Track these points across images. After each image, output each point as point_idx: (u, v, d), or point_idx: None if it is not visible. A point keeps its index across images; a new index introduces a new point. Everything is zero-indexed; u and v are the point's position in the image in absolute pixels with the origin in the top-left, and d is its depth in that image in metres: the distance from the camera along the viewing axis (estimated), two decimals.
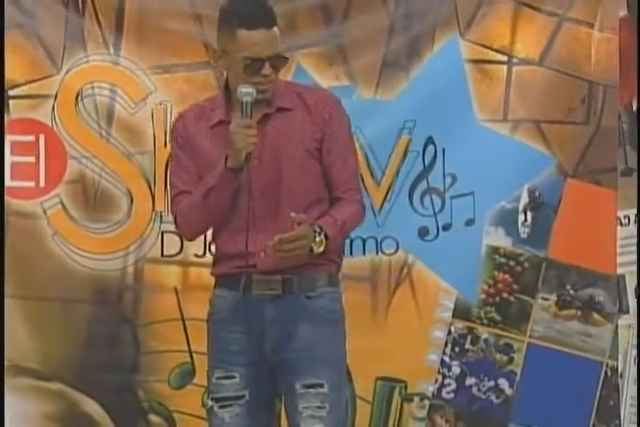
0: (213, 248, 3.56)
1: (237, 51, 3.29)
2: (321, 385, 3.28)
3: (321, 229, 3.23)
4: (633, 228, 4.77)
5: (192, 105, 3.54)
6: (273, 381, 3.35)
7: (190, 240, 3.70)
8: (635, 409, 4.73)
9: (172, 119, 4.61)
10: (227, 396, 3.29)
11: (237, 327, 3.32)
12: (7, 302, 4.63)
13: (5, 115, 4.70)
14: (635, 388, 4.73)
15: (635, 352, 4.77)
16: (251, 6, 3.34)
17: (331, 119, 3.41)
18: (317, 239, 3.23)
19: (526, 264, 4.75)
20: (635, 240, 4.73)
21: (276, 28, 3.33)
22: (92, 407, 4.68)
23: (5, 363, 4.61)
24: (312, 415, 3.26)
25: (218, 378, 3.32)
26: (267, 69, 3.30)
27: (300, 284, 3.34)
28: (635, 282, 4.75)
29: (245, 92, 3.25)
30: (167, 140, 4.69)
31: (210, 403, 3.32)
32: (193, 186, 3.35)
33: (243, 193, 3.32)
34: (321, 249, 3.24)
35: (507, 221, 4.75)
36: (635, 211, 4.74)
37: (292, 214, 3.20)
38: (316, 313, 3.34)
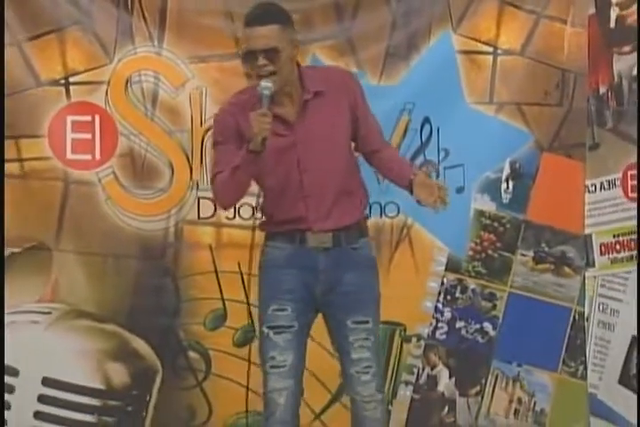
0: (260, 214, 3.66)
1: (243, 47, 3.45)
2: (367, 322, 3.53)
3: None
4: (598, 194, 4.73)
5: (234, 99, 3.61)
6: (314, 315, 3.57)
7: (225, 209, 3.85)
8: (598, 347, 4.75)
9: (208, 103, 4.70)
10: (281, 324, 3.50)
11: (291, 271, 3.51)
12: (68, 257, 4.68)
13: (66, 98, 4.68)
14: (597, 329, 4.74)
15: (599, 300, 4.75)
16: (252, 8, 3.48)
17: (355, 92, 3.56)
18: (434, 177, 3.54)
19: (508, 225, 4.81)
20: (600, 205, 4.75)
21: (273, 26, 3.39)
22: (140, 345, 4.73)
23: (66, 307, 4.70)
24: (361, 346, 3.52)
25: (273, 310, 3.51)
26: (260, 61, 3.38)
27: (347, 237, 3.53)
28: (600, 240, 4.74)
29: (264, 86, 3.38)
30: (203, 119, 4.72)
31: (266, 331, 3.52)
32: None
33: (293, 171, 3.46)
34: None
35: (491, 188, 4.80)
36: (600, 180, 4.73)
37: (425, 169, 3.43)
38: (360, 262, 3.57)
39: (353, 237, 3.57)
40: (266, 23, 3.41)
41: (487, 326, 4.83)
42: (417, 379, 4.83)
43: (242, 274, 4.73)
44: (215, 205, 4.73)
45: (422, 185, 3.45)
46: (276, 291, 3.53)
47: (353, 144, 3.72)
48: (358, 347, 3.53)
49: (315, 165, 3.50)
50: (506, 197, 4.83)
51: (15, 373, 4.62)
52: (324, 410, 4.70)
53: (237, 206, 4.72)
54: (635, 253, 4.63)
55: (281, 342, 3.50)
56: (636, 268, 4.60)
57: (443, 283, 4.83)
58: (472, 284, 4.84)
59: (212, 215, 4.78)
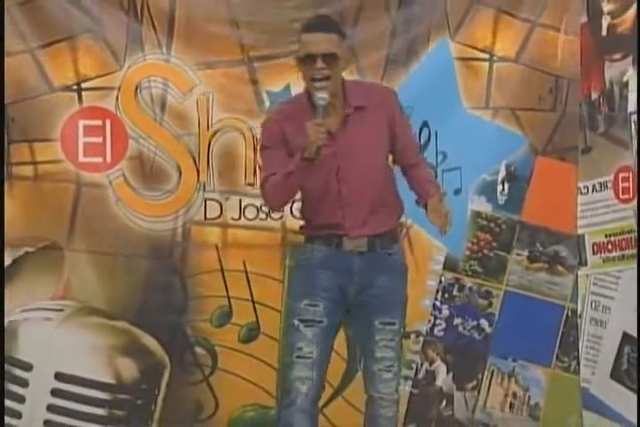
0: (303, 221, 3.73)
1: (301, 51, 3.54)
2: (393, 324, 3.64)
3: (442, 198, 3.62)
4: (591, 196, 4.79)
5: (279, 108, 3.76)
6: (344, 315, 3.66)
7: (275, 210, 4.01)
8: (590, 343, 4.79)
9: (215, 107, 4.78)
10: (311, 319, 3.60)
11: (327, 272, 3.62)
12: (80, 256, 4.74)
13: (78, 103, 4.75)
14: (589, 326, 4.79)
15: (592, 297, 4.79)
16: (313, 17, 3.66)
17: (395, 110, 3.67)
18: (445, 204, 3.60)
19: (503, 226, 4.89)
20: (593, 206, 4.80)
21: (333, 35, 3.52)
22: (149, 341, 4.79)
23: (78, 305, 4.74)
24: (386, 345, 3.63)
25: (305, 305, 3.61)
26: (319, 64, 3.49)
27: (381, 242, 3.63)
28: (593, 240, 4.78)
29: (319, 97, 3.48)
30: (209, 123, 4.80)
31: (296, 323, 3.61)
32: (280, 170, 3.58)
33: (332, 180, 3.57)
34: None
35: (488, 190, 4.88)
36: (592, 182, 4.78)
37: (441, 192, 3.56)
38: (393, 266, 3.69)
39: (387, 243, 3.67)
40: (328, 31, 3.53)
41: (483, 322, 4.89)
42: (416, 374, 4.88)
43: (247, 273, 4.81)
44: (221, 207, 4.83)
45: (433, 209, 3.58)
46: (311, 288, 3.63)
47: (390, 157, 3.81)
48: (383, 346, 3.63)
49: (353, 175, 3.60)
50: (501, 199, 4.90)
51: (29, 367, 4.70)
52: (326, 404, 4.75)
53: (242, 207, 4.83)
54: (626, 252, 4.70)
55: (309, 334, 3.59)
56: (627, 267, 4.68)
57: (441, 281, 4.89)
58: (469, 282, 4.91)
59: (219, 216, 4.85)
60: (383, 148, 3.67)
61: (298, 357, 3.60)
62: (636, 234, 4.61)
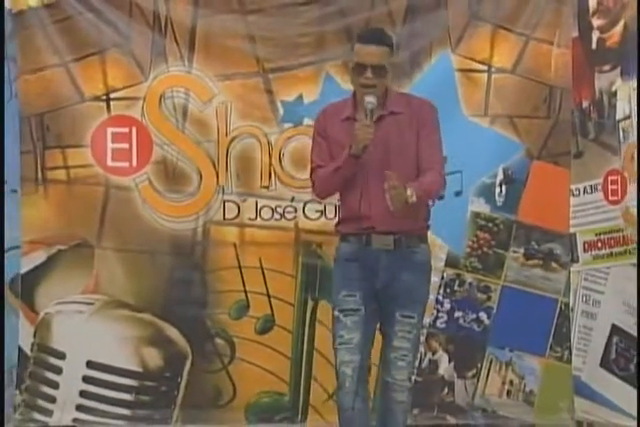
0: (339, 210, 3.85)
1: (354, 59, 3.71)
2: (413, 317, 3.77)
3: (410, 187, 3.59)
4: (582, 197, 4.91)
5: (329, 104, 3.90)
6: (377, 305, 3.79)
7: (322, 199, 4.03)
8: (581, 335, 4.95)
9: (233, 115, 4.95)
10: (350, 308, 3.73)
11: (357, 264, 3.75)
12: (109, 253, 4.91)
13: (107, 112, 4.95)
14: (581, 319, 4.94)
15: (583, 292, 4.94)
16: (370, 29, 3.82)
17: (425, 119, 3.78)
18: (408, 192, 3.57)
19: (501, 226, 5.02)
20: (584, 207, 4.94)
21: (385, 48, 3.68)
22: (173, 332, 4.94)
23: (107, 299, 4.93)
24: (403, 336, 3.76)
25: (344, 296, 3.75)
26: (369, 73, 3.66)
27: (407, 241, 3.75)
28: (584, 239, 4.93)
29: (369, 101, 3.66)
30: (228, 130, 4.97)
31: (337, 313, 3.74)
32: (326, 161, 3.79)
33: (362, 172, 3.71)
34: (414, 199, 3.57)
35: (486, 192, 5.01)
36: (583, 184, 4.93)
37: (386, 172, 3.57)
38: (417, 264, 3.79)
39: (413, 242, 3.78)
40: (381, 44, 3.70)
41: (482, 315, 5.04)
42: (419, 363, 4.98)
43: (262, 269, 4.98)
44: (239, 208, 5.01)
45: (392, 186, 3.68)
46: (347, 279, 3.79)
47: None
48: (401, 337, 3.76)
49: (381, 171, 3.67)
50: (499, 201, 5.03)
51: (62, 356, 4.91)
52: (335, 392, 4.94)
53: (259, 208, 5.00)
54: (614, 249, 4.86)
55: (349, 323, 3.74)
56: (615, 263, 4.85)
57: (443, 277, 5.03)
58: (469, 278, 5.05)
59: (236, 216, 5.02)
60: (412, 149, 3.76)
61: (340, 343, 3.75)
62: (622, 233, 4.78)
